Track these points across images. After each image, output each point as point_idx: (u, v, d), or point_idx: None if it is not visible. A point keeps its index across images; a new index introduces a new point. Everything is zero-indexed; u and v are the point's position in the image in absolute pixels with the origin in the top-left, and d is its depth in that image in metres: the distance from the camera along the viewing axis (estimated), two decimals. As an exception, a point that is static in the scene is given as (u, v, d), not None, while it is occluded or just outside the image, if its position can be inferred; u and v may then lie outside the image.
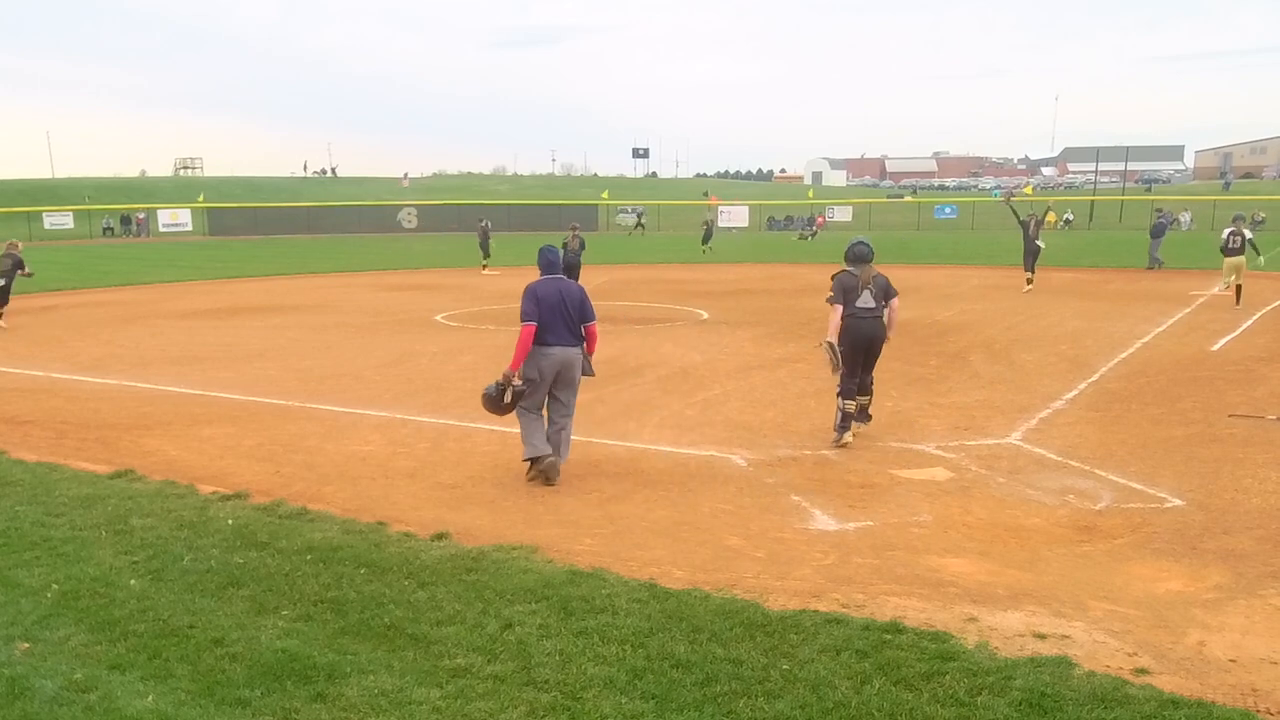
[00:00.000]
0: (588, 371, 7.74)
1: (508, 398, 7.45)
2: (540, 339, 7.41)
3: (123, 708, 4.00)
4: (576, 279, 21.08)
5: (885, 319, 8.84)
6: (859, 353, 8.74)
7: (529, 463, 7.57)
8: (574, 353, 7.54)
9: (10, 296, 18.16)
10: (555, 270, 7.72)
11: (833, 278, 8.88)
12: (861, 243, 9.01)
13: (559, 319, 7.45)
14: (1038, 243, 22.05)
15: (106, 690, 4.15)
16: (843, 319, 8.64)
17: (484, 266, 29.76)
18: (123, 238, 55.37)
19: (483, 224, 31.73)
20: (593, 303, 7.77)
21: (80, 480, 7.40)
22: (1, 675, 4.26)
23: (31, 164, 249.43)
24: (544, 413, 7.71)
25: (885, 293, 8.79)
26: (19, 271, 18.20)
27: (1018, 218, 22.75)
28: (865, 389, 8.91)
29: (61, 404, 10.82)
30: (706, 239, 40.43)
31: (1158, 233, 28.75)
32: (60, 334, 17.06)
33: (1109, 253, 32.97)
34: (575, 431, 7.99)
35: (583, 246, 21.50)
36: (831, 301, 8.73)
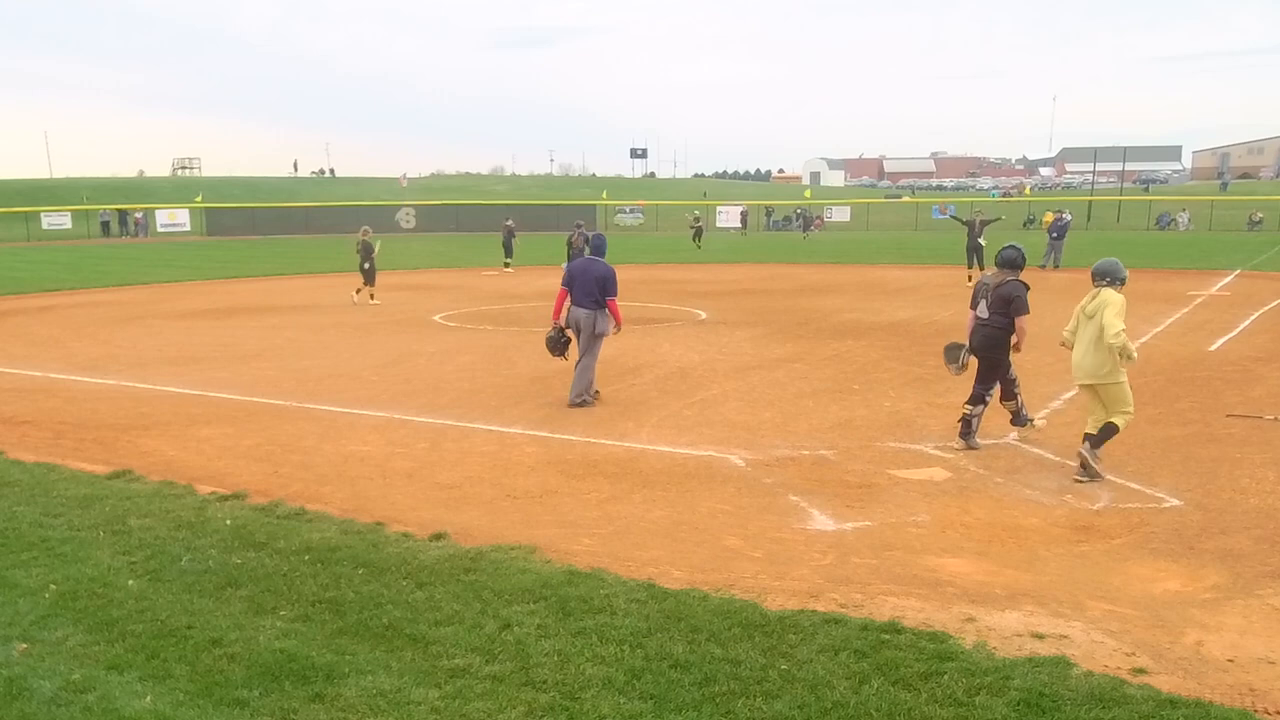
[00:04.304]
0: (601, 330, 10.31)
1: (557, 342, 10.55)
2: (571, 299, 10.36)
3: (121, 708, 4.00)
4: None
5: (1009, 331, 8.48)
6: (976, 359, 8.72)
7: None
8: (585, 313, 10.28)
9: (375, 276, 21.18)
10: (596, 254, 10.61)
11: None
12: (1009, 247, 8.67)
13: (580, 288, 10.29)
14: (980, 240, 24.09)
15: (105, 690, 4.15)
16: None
17: (505, 265, 29.83)
18: (120, 237, 55.27)
19: (508, 223, 31.67)
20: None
21: (78, 480, 7.38)
22: (0, 675, 4.26)
23: (30, 164, 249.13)
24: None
25: (1005, 305, 8.37)
26: (371, 253, 20.98)
27: (960, 221, 25.35)
28: (975, 399, 8.51)
29: (59, 404, 10.81)
30: (697, 236, 43.53)
31: (1061, 234, 28.70)
32: (58, 334, 17.04)
33: (1107, 253, 32.95)
34: (573, 431, 9.21)
35: (588, 242, 21.76)
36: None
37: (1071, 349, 7.79)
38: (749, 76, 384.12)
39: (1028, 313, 8.41)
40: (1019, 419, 8.83)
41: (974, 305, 8.69)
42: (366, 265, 20.94)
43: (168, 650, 4.52)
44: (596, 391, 10.49)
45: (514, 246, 30.09)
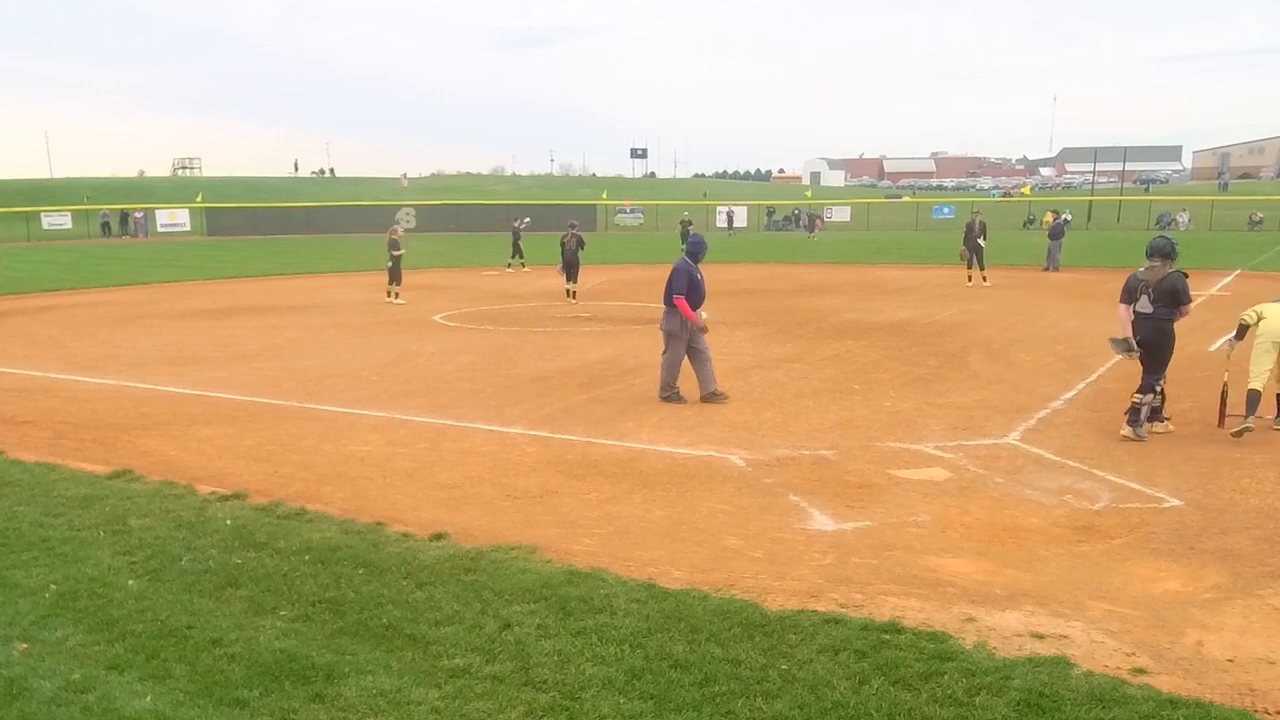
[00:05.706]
0: (666, 327, 10.58)
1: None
2: None
3: (121, 708, 4.00)
4: (575, 277, 21.44)
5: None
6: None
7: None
8: (665, 310, 10.64)
9: (401, 274, 21.96)
10: (689, 254, 10.85)
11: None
12: (1160, 237, 8.90)
13: (667, 287, 10.64)
14: (980, 241, 24.20)
15: (105, 690, 4.15)
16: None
17: (509, 264, 29.71)
18: (120, 237, 55.26)
19: (515, 223, 31.42)
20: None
21: (78, 480, 7.39)
22: (0, 675, 4.26)
23: (30, 164, 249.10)
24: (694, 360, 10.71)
25: (1172, 298, 8.63)
26: (395, 251, 21.66)
27: (967, 233, 24.94)
28: (1146, 389, 8.73)
29: (59, 404, 10.82)
30: (684, 238, 42.10)
31: (1056, 234, 28.65)
32: (58, 334, 17.05)
33: (1107, 253, 33.00)
34: (574, 431, 9.23)
35: (580, 245, 21.70)
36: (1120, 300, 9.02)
37: (1254, 323, 8.95)
38: (749, 76, 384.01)
39: (1190, 302, 8.73)
40: (1157, 416, 8.86)
41: (1129, 300, 8.88)
42: (390, 264, 21.48)
43: (168, 650, 4.52)
44: (668, 394, 10.56)
45: (521, 246, 29.98)
